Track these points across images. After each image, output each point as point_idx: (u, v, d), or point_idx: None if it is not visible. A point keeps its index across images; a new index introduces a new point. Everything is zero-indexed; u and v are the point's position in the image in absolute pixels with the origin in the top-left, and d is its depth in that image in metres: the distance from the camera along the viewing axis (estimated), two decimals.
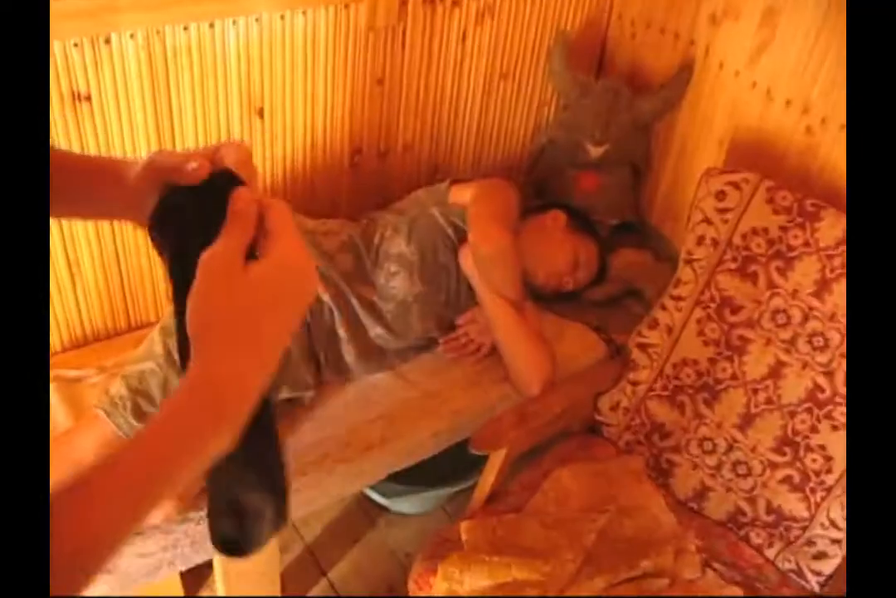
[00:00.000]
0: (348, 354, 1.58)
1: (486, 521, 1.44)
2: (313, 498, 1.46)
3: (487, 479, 1.49)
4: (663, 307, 1.71)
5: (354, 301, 1.58)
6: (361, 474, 1.51)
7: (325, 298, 1.53)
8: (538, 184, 2.03)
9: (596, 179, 1.92)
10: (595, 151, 1.87)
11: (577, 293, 1.86)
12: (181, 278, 0.59)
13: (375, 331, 1.61)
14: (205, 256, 0.56)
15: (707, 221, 1.68)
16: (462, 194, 1.70)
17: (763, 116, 1.75)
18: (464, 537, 1.42)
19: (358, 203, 1.85)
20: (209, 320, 0.55)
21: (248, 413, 0.55)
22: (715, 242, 1.67)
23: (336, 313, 1.55)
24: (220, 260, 0.55)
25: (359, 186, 1.84)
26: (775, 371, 1.60)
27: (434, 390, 1.62)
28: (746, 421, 1.62)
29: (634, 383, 1.71)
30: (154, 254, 1.66)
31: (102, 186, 0.68)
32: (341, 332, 1.56)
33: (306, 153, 1.72)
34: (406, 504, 1.96)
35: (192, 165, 0.61)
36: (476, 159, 1.98)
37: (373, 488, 1.92)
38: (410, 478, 1.80)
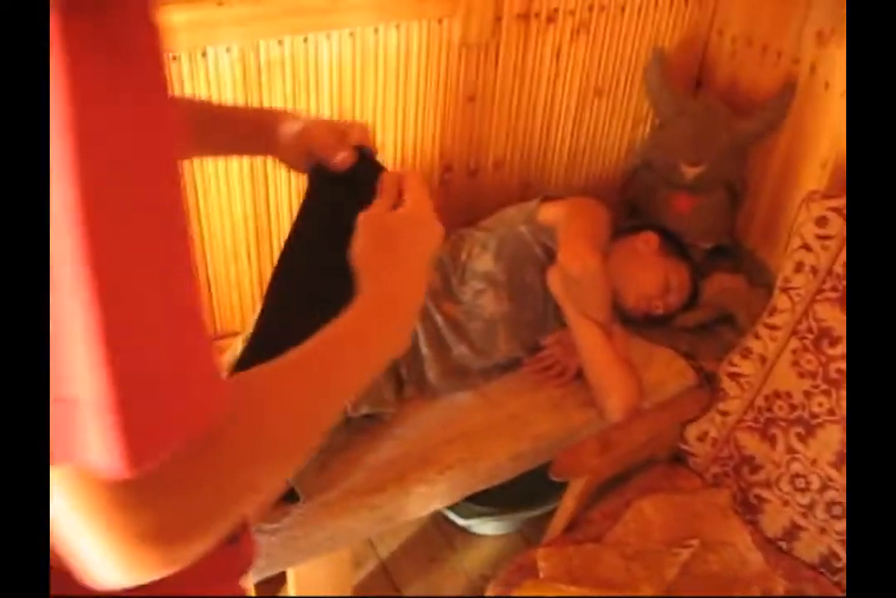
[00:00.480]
0: (431, 371, 1.56)
1: (564, 549, 1.40)
2: (390, 516, 1.45)
3: (567, 506, 1.45)
4: (757, 336, 1.64)
5: (439, 318, 1.56)
6: (438, 495, 1.49)
7: None
8: (631, 204, 1.98)
9: (690, 201, 1.86)
10: (690, 172, 1.82)
11: (668, 318, 1.81)
12: (320, 238, 0.81)
13: (459, 349, 1.59)
14: (362, 216, 0.74)
15: (806, 247, 1.61)
16: (552, 213, 1.67)
17: None
18: (540, 564, 1.38)
19: (447, 220, 1.81)
20: (372, 256, 0.72)
21: (415, 320, 0.72)
22: (814, 270, 1.60)
23: (420, 330, 1.54)
24: (374, 217, 0.74)
25: (448, 204, 1.83)
26: None
27: (516, 412, 1.59)
28: (843, 459, 1.54)
29: (724, 414, 1.64)
30: (241, 264, 1.63)
31: (256, 136, 0.90)
32: (425, 349, 1.55)
33: (396, 169, 1.72)
34: (484, 526, 1.93)
35: (342, 155, 0.84)
36: (568, 178, 1.95)
37: (451, 508, 1.89)
38: (490, 500, 1.78)
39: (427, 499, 1.48)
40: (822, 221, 1.60)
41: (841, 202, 1.59)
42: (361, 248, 0.72)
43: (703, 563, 1.47)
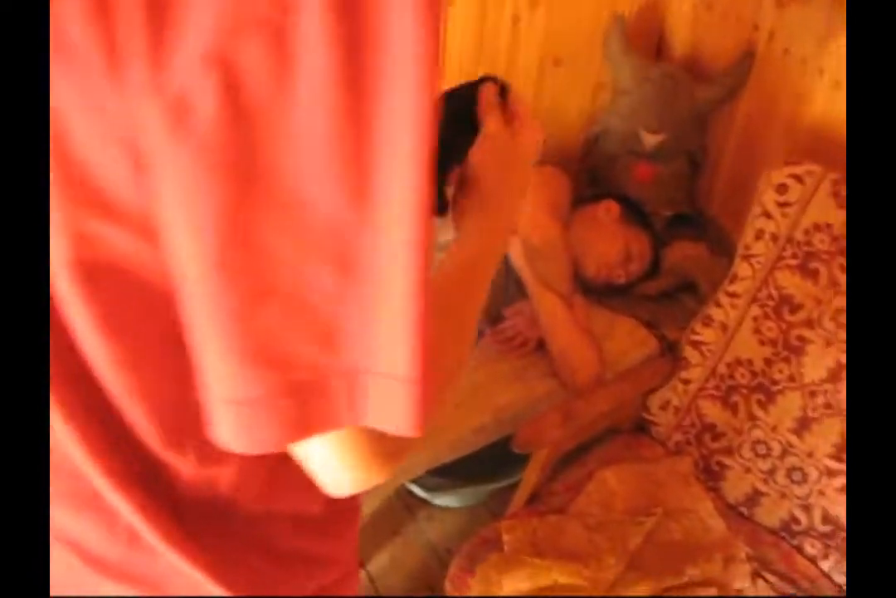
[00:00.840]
0: None
1: (528, 521, 1.40)
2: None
3: (530, 478, 1.45)
4: (718, 304, 1.64)
5: None
6: (401, 468, 1.47)
7: None
8: (592, 173, 1.96)
9: (651, 169, 1.85)
10: (651, 140, 1.80)
11: (629, 287, 1.80)
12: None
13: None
14: (482, 136, 0.74)
15: (767, 215, 1.61)
16: None
17: (831, 107, 1.66)
18: (504, 537, 1.38)
19: None
20: (493, 173, 0.73)
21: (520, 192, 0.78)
22: (774, 238, 1.60)
23: None
24: (493, 136, 0.73)
25: None
26: (835, 374, 1.52)
27: (478, 383, 1.58)
28: (803, 425, 1.55)
29: (686, 382, 1.65)
30: None
31: None
32: None
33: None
34: (448, 498, 1.93)
35: None
36: None
37: (414, 480, 1.89)
38: (453, 472, 1.77)
39: None
40: (782, 189, 1.59)
41: (800, 169, 1.59)
42: (483, 163, 0.74)
43: (665, 532, 1.48)
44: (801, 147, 1.74)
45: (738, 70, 1.77)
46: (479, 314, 0.68)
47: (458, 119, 0.76)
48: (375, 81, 0.38)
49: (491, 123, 0.73)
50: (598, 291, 1.78)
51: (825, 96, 1.66)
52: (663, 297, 1.84)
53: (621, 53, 1.78)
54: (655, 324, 1.77)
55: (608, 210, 1.77)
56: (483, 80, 0.77)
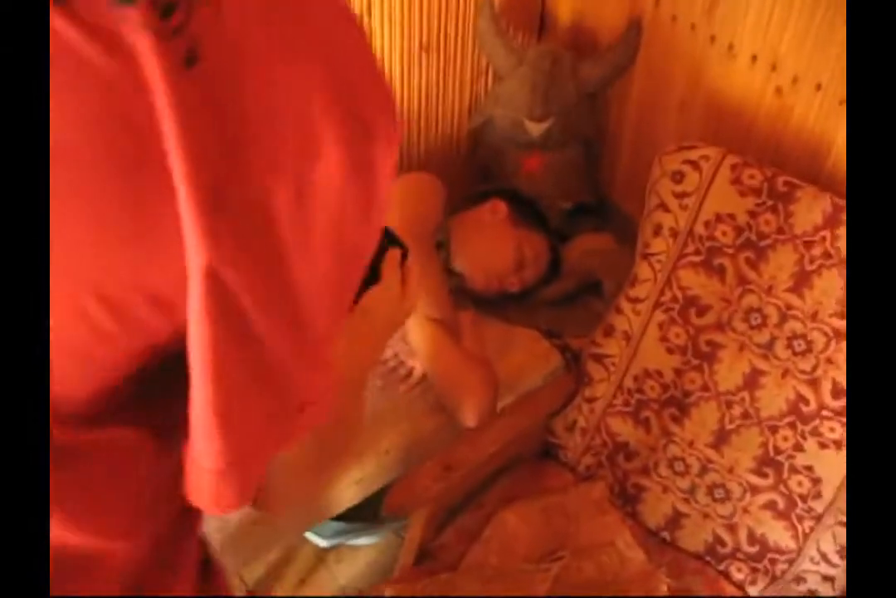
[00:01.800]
0: None
1: (413, 583, 1.25)
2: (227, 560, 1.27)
3: (413, 537, 1.28)
4: (619, 311, 1.48)
5: None
6: (274, 534, 1.32)
7: None
8: (483, 169, 1.78)
9: (541, 160, 1.67)
10: (536, 128, 1.62)
11: (527, 294, 1.64)
12: None
13: None
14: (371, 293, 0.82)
15: (664, 207, 1.44)
16: None
17: (726, 76, 1.49)
18: None
19: None
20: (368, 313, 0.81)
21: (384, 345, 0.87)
22: (674, 233, 1.43)
23: None
24: (387, 289, 0.83)
25: None
26: (752, 381, 1.37)
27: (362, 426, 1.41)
28: (721, 439, 1.40)
29: (591, 400, 1.49)
30: None
31: None
32: None
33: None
34: (353, 541, 1.76)
35: None
36: (405, 148, 1.73)
37: (311, 530, 1.72)
38: (351, 516, 1.61)
39: (262, 541, 1.31)
40: (677, 177, 1.42)
41: (695, 154, 1.41)
42: (370, 306, 0.84)
43: (576, 572, 1.34)
44: (699, 123, 1.57)
45: (625, 43, 1.58)
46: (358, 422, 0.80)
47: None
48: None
49: (391, 280, 0.87)
50: (492, 301, 1.62)
51: (720, 65, 1.49)
52: (568, 300, 1.67)
53: (492, 34, 1.59)
54: (558, 333, 1.61)
55: (494, 210, 1.59)
56: (392, 241, 0.91)
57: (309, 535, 1.68)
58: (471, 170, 1.81)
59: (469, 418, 1.40)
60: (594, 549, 1.37)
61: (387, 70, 1.60)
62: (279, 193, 0.40)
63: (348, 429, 0.76)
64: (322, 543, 1.68)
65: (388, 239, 0.99)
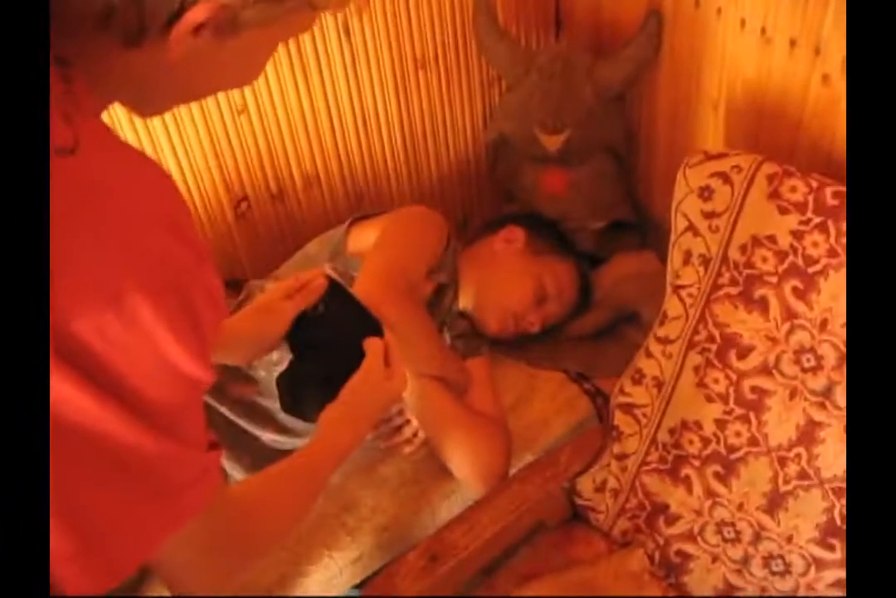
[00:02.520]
0: (235, 471, 1.23)
1: None
2: None
3: None
4: (648, 354, 1.27)
5: (225, 409, 1.23)
6: None
7: None
8: (505, 189, 1.59)
9: (563, 177, 1.47)
10: (552, 142, 1.42)
11: (554, 330, 1.44)
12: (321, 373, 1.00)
13: (266, 436, 1.25)
14: (359, 374, 0.96)
15: (692, 230, 1.22)
16: (364, 238, 1.30)
17: (763, 66, 1.25)
18: None
19: (263, 260, 1.49)
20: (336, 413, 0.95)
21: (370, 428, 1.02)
22: (705, 260, 1.21)
23: None
24: (366, 375, 0.96)
25: (257, 240, 1.48)
26: (808, 434, 1.14)
27: (354, 499, 1.26)
28: (775, 502, 1.18)
29: (621, 457, 1.28)
30: None
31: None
32: None
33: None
34: None
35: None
36: (413, 173, 1.56)
37: None
38: None
39: None
40: (705, 193, 1.20)
41: (725, 165, 1.19)
42: (355, 387, 0.96)
43: None
44: (737, 123, 1.34)
45: (644, 35, 1.36)
46: (314, 497, 0.87)
47: (350, 345, 0.99)
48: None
49: (371, 364, 0.95)
50: (510, 341, 1.43)
51: (754, 53, 1.25)
52: (601, 335, 1.47)
53: (493, 39, 1.40)
54: (588, 376, 1.41)
55: (509, 240, 1.41)
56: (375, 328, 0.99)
57: None
58: (492, 193, 1.63)
59: (474, 485, 1.23)
60: None
61: (379, 93, 1.44)
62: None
63: (278, 514, 0.80)
64: None
65: (366, 319, 1.02)
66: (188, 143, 1.32)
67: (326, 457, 0.91)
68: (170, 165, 1.31)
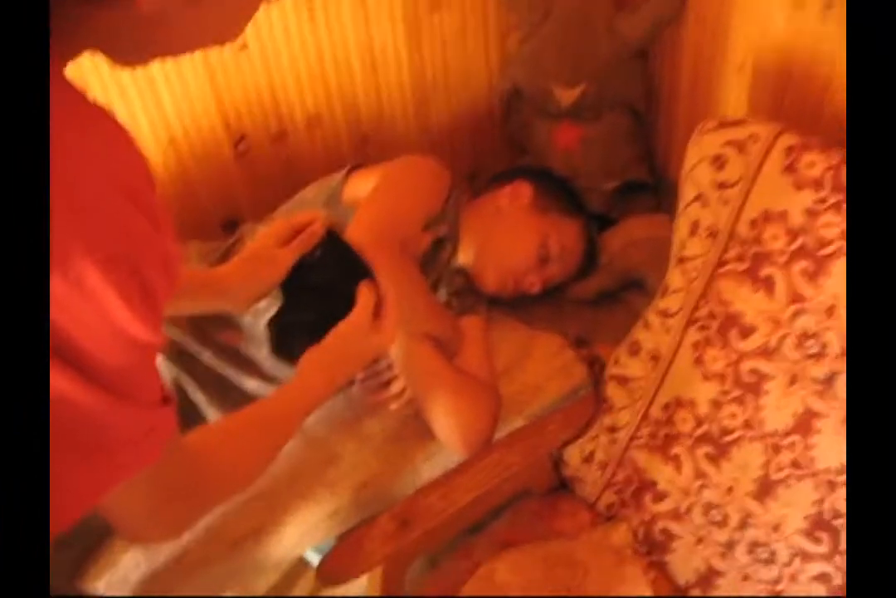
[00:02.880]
0: (213, 418, 1.22)
1: None
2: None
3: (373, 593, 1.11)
4: (646, 325, 1.22)
5: (208, 356, 1.20)
6: (233, 575, 1.19)
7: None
8: (518, 143, 1.52)
9: (576, 133, 1.39)
10: (567, 96, 1.34)
11: (555, 291, 1.39)
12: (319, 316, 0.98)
13: (250, 384, 1.23)
14: (347, 320, 0.96)
15: (702, 199, 1.16)
16: (361, 187, 1.25)
17: (793, 28, 1.16)
18: None
19: (262, 201, 1.44)
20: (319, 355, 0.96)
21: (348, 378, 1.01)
22: (713, 233, 1.15)
23: (185, 378, 1.19)
24: (353, 323, 0.96)
25: (256, 181, 1.43)
26: (805, 424, 1.09)
27: (336, 453, 1.24)
28: (765, 490, 1.14)
29: (611, 430, 1.25)
30: None
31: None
32: (198, 396, 1.20)
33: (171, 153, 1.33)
34: None
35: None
36: (422, 120, 1.49)
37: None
38: None
39: (216, 582, 1.18)
40: (718, 162, 1.13)
41: (742, 133, 1.11)
42: (339, 334, 0.95)
43: None
44: (762, 87, 1.25)
45: None
46: (279, 443, 0.88)
47: (343, 292, 0.98)
48: None
49: (360, 314, 0.94)
50: (511, 301, 1.39)
51: (784, 11, 1.15)
52: (605, 299, 1.42)
53: None
54: (589, 340, 1.36)
55: (515, 196, 1.35)
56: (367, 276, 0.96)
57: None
58: (505, 146, 1.55)
59: (457, 448, 1.20)
60: None
61: (389, 33, 1.36)
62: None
63: (236, 460, 0.79)
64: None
65: (360, 268, 1.00)
66: (186, 78, 1.27)
67: (297, 401, 0.91)
68: (167, 100, 1.26)
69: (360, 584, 1.07)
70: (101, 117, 0.55)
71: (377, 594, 1.10)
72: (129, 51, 0.61)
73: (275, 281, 1.03)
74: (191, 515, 0.75)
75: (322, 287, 1.02)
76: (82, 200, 0.50)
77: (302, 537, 1.20)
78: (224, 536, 1.17)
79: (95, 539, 1.17)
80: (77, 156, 0.50)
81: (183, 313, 1.13)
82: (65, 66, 0.57)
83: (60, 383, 0.51)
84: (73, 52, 0.58)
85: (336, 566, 1.01)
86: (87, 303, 0.50)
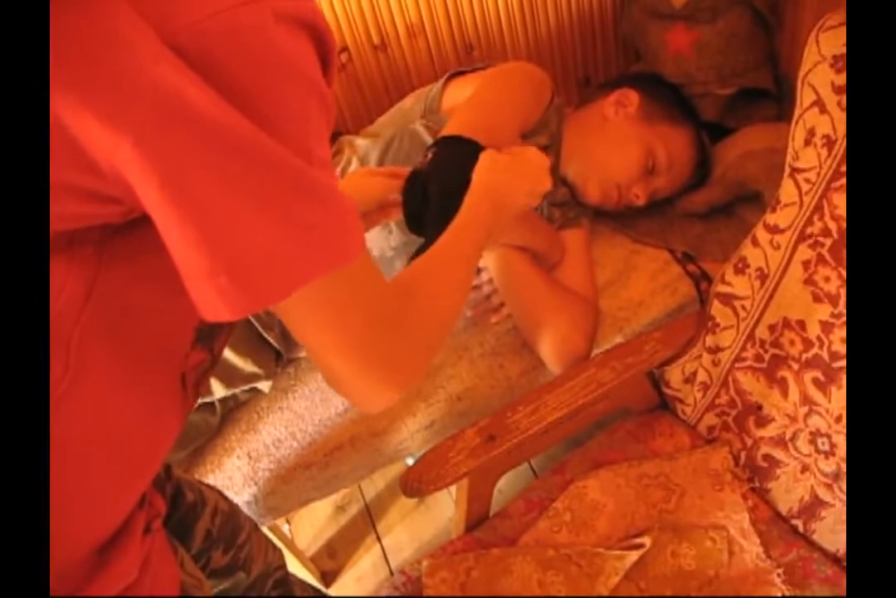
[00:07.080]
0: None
1: (460, 558, 1.10)
2: (277, 506, 1.22)
3: (463, 508, 1.12)
4: (755, 242, 1.14)
5: None
6: (332, 480, 1.23)
7: None
8: (630, 45, 1.43)
9: (689, 35, 1.29)
10: None
11: (662, 203, 1.32)
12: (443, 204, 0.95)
13: None
14: (481, 159, 0.98)
15: (819, 105, 1.06)
16: (459, 95, 1.20)
17: None
18: (425, 581, 1.10)
19: (365, 112, 1.42)
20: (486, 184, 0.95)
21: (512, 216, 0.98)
22: (829, 142, 1.05)
23: None
24: (489, 158, 0.98)
25: (358, 92, 1.41)
26: None
27: (432, 365, 1.25)
28: None
29: (714, 350, 1.19)
30: None
31: None
32: None
33: None
34: None
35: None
36: (529, 24, 1.42)
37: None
38: None
39: (317, 487, 1.23)
40: (840, 63, 1.02)
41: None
42: (484, 168, 0.97)
43: (666, 559, 1.12)
44: None
45: None
46: (471, 271, 0.87)
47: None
48: None
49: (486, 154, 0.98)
50: (617, 213, 1.33)
51: None
52: (717, 213, 1.33)
53: None
54: (697, 256, 1.29)
55: (621, 103, 1.27)
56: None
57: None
58: (618, 51, 1.46)
59: (551, 363, 1.19)
60: (695, 532, 1.13)
61: None
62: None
63: (440, 288, 0.79)
64: None
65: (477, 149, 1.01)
66: None
67: (470, 230, 0.89)
68: None
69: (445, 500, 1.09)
70: None
71: (463, 506, 1.12)
72: None
73: (375, 196, 1.05)
74: (409, 352, 0.70)
75: (445, 174, 1.00)
76: None
77: (397, 447, 1.23)
78: (322, 444, 1.21)
79: (204, 442, 1.24)
80: None
81: None
82: None
83: (244, 130, 0.49)
84: None
85: (421, 476, 1.03)
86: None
